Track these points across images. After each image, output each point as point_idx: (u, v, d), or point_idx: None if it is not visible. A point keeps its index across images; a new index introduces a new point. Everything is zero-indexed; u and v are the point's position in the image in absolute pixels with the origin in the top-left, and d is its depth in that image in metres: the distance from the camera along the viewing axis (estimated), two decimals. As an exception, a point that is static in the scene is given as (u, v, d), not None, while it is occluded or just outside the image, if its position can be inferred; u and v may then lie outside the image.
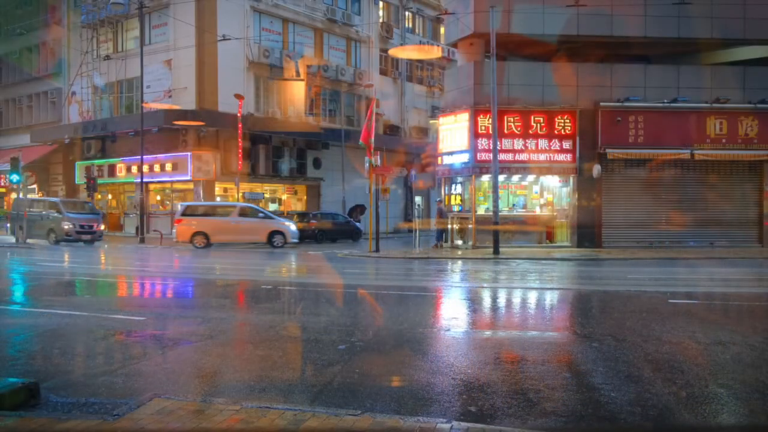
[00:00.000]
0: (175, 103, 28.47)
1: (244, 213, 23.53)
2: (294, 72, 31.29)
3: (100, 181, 30.53)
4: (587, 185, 21.84)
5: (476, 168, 21.60)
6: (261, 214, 23.70)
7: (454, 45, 24.91)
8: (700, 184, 22.20)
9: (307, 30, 32.98)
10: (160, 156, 28.98)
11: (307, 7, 32.57)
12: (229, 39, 26.53)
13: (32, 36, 35.91)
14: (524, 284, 13.13)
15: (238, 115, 27.42)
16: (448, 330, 7.90)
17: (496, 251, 19.33)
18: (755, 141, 21.85)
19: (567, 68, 22.26)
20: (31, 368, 5.91)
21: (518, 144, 21.64)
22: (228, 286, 12.95)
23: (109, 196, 33.70)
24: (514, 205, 23.71)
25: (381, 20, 37.57)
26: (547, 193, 23.42)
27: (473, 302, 10.73)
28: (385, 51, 36.57)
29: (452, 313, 9.41)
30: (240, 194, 28.26)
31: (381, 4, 37.55)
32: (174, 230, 23.78)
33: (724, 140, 21.87)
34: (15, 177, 24.29)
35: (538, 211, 23.27)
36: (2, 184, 35.55)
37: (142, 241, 25.92)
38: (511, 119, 21.57)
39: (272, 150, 30.37)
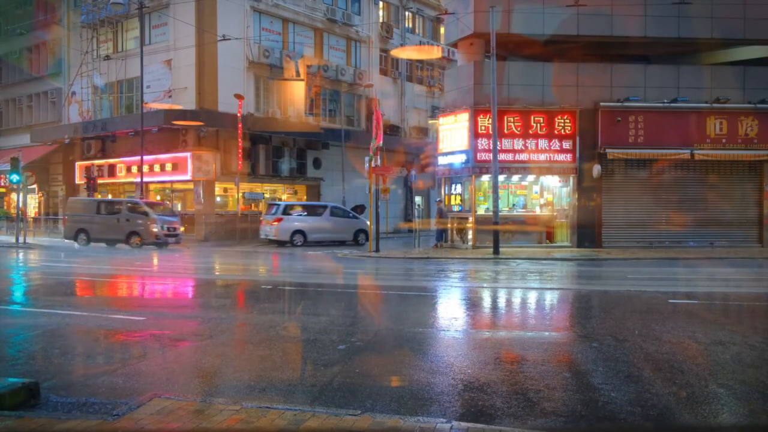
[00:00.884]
0: (175, 103, 28.45)
1: (335, 213, 25.37)
2: (294, 72, 31.28)
3: (100, 181, 30.50)
4: (587, 185, 21.83)
5: (476, 168, 21.60)
6: (350, 214, 25.63)
7: (454, 45, 24.91)
8: (700, 184, 22.20)
9: (307, 30, 32.97)
10: (160, 156, 28.96)
11: (307, 7, 32.56)
12: (229, 39, 26.52)
13: (32, 36, 35.89)
14: (524, 284, 13.13)
15: (238, 115, 27.40)
16: (448, 330, 7.90)
17: (496, 251, 19.33)
18: (755, 141, 21.85)
19: (567, 68, 22.26)
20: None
21: (518, 144, 21.63)
22: (227, 286, 12.95)
23: (109, 196, 33.68)
24: (514, 205, 23.71)
25: (381, 20, 37.54)
26: (547, 193, 23.42)
27: (473, 302, 10.73)
28: (385, 51, 36.56)
29: (452, 313, 9.41)
30: (240, 194, 28.24)
31: (381, 4, 37.52)
32: (273, 228, 24.33)
33: (724, 140, 21.87)
34: (15, 177, 24.28)
35: (538, 211, 23.26)
36: (2, 184, 35.55)
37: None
38: (511, 119, 21.57)
39: (272, 150, 30.34)
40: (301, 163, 32.00)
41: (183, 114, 27.51)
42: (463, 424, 4.20)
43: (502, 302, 10.83)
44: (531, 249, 21.29)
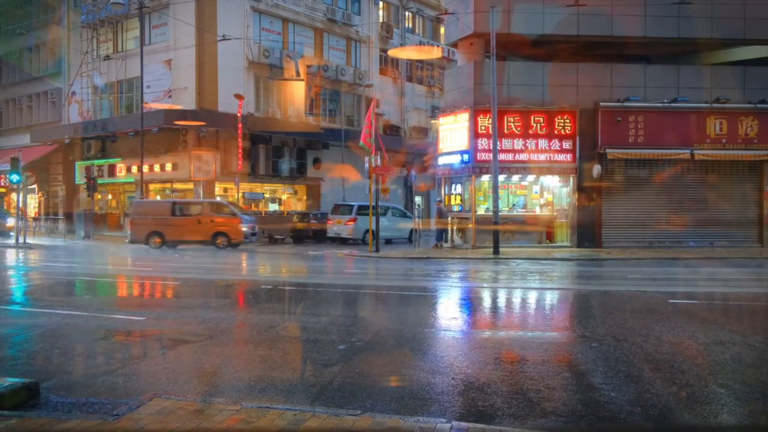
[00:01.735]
0: (175, 103, 28.47)
1: (395, 213, 26.75)
2: (294, 72, 31.28)
3: (100, 181, 30.52)
4: (587, 185, 21.83)
5: (476, 168, 21.60)
6: (407, 215, 27.16)
7: (454, 45, 24.91)
8: (700, 184, 22.19)
9: (307, 30, 32.98)
10: (160, 156, 28.98)
11: (307, 7, 32.57)
12: (229, 39, 26.53)
13: (32, 36, 35.90)
14: (524, 284, 13.13)
15: (238, 115, 27.41)
16: (448, 330, 7.90)
17: (496, 251, 19.32)
18: (755, 141, 21.85)
19: (567, 68, 22.26)
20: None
21: (518, 144, 21.63)
22: (228, 286, 12.95)
23: (109, 196, 33.70)
24: (514, 205, 23.70)
25: (381, 20, 37.55)
26: (547, 193, 23.41)
27: (473, 302, 10.73)
28: (385, 51, 36.57)
29: (452, 313, 9.41)
30: (240, 194, 28.25)
31: (381, 4, 37.53)
32: (346, 228, 25.35)
33: (724, 140, 21.86)
34: (15, 177, 24.28)
35: (538, 211, 23.26)
36: (2, 184, 35.54)
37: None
38: (511, 119, 21.57)
39: (272, 150, 30.35)
40: (301, 163, 32.01)
41: (183, 114, 27.52)
42: (463, 424, 4.20)
43: (502, 302, 10.83)
44: (531, 249, 21.29)
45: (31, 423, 4.09)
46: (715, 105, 21.69)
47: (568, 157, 21.74)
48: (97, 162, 31.78)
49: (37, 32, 35.74)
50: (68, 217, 32.11)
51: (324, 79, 33.05)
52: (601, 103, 21.69)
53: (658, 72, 22.30)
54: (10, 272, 15.63)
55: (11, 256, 20.45)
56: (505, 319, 9.03)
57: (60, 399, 4.80)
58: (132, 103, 31.42)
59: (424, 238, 24.49)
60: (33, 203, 36.76)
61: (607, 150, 21.53)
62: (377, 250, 20.80)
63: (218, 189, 29.78)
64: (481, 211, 22.21)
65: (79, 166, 32.97)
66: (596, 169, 21.57)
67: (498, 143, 20.50)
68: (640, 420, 4.54)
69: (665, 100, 21.63)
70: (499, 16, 20.45)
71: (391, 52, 34.42)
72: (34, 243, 25.22)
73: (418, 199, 36.42)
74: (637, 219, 22.08)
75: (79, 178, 32.81)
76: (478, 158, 21.47)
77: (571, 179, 22.15)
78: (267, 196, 32.28)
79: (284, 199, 33.45)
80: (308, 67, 31.92)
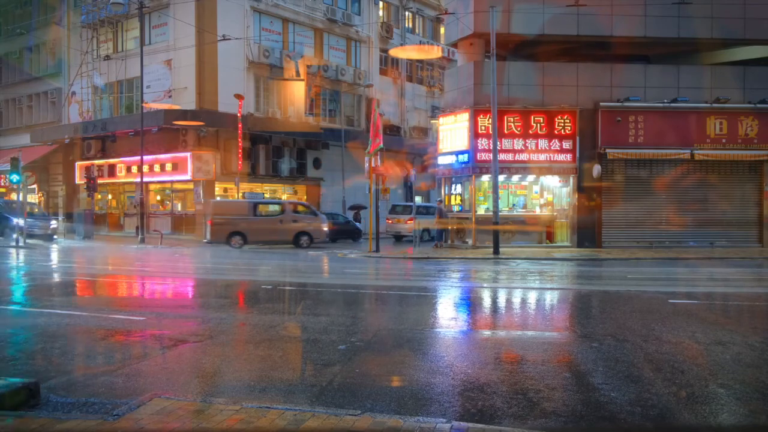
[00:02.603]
0: (175, 103, 28.46)
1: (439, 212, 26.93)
2: (294, 72, 31.28)
3: (100, 181, 30.51)
4: (587, 185, 21.83)
5: (476, 168, 21.60)
6: (447, 214, 27.97)
7: (454, 45, 24.91)
8: (700, 184, 22.19)
9: (307, 30, 32.97)
10: (160, 156, 28.97)
11: (307, 7, 32.56)
12: (229, 39, 26.52)
13: (32, 36, 35.89)
14: (524, 284, 13.13)
15: (238, 115, 27.40)
16: (448, 330, 7.90)
17: (496, 251, 19.32)
18: (755, 141, 21.85)
19: (567, 68, 22.26)
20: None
21: (518, 144, 21.63)
22: (227, 287, 12.95)
23: (109, 196, 33.69)
24: (514, 205, 23.70)
25: (381, 20, 37.55)
26: (547, 193, 23.41)
27: (473, 302, 10.73)
28: (385, 51, 36.56)
29: (452, 313, 9.41)
30: (240, 194, 28.25)
31: (381, 4, 37.52)
32: (406, 226, 26.91)
33: (724, 140, 21.86)
34: (15, 177, 24.28)
35: (538, 211, 23.26)
36: (2, 184, 35.54)
37: (143, 241, 25.91)
38: (511, 119, 21.57)
39: (272, 150, 30.35)
40: (301, 163, 32.00)
41: (183, 114, 27.52)
42: (463, 424, 4.20)
43: (502, 302, 10.83)
44: (531, 249, 21.29)
45: (31, 423, 4.09)
46: (715, 105, 21.69)
47: (568, 157, 21.74)
48: (97, 162, 31.78)
49: (37, 32, 35.73)
50: (68, 217, 32.11)
51: (324, 79, 33.05)
52: (601, 103, 21.69)
53: (658, 72, 22.30)
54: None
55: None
56: (505, 319, 9.03)
57: (60, 399, 4.80)
58: (132, 103, 31.42)
59: (423, 238, 24.52)
60: (33, 203, 36.74)
61: (607, 150, 21.53)
62: (377, 250, 20.80)
63: (218, 189, 29.77)
64: (481, 211, 22.21)
65: (79, 166, 32.97)
66: (596, 169, 21.57)
67: (498, 143, 20.50)
68: (640, 420, 4.54)
69: (665, 100, 21.63)
70: (499, 16, 20.45)
71: (391, 52, 34.39)
72: (33, 243, 25.19)
73: (418, 199, 36.44)
74: (637, 219, 22.09)
75: (79, 178, 32.80)
76: (478, 158, 21.48)
77: (571, 179, 22.15)
78: (267, 196, 32.27)
79: (284, 199, 33.44)
80: (308, 67, 31.91)
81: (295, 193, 33.91)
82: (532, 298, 11.35)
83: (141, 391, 5.02)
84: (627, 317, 8.64)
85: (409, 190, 35.81)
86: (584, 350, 6.62)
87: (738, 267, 16.75)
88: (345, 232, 28.76)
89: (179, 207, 30.36)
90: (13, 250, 22.20)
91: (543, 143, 21.65)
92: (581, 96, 21.82)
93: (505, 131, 21.49)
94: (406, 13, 39.40)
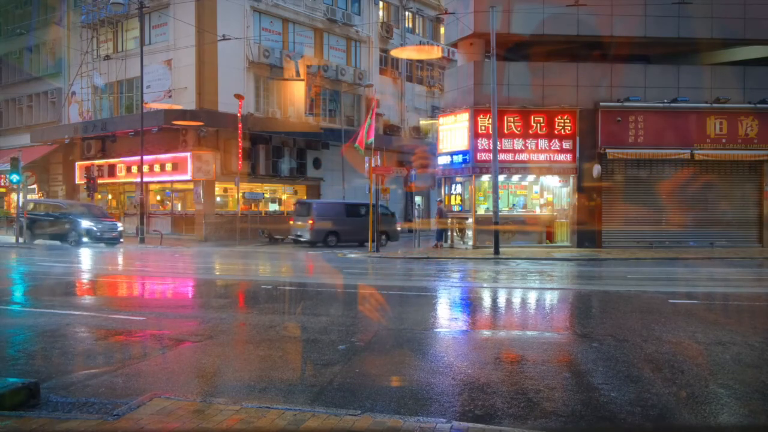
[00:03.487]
0: (175, 103, 28.45)
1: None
2: (294, 72, 31.27)
3: (100, 181, 30.51)
4: (587, 185, 21.83)
5: (476, 168, 21.60)
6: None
7: (454, 45, 24.91)
8: (700, 184, 22.18)
9: (307, 30, 32.96)
10: (160, 156, 28.96)
11: (307, 7, 32.55)
12: (229, 39, 26.52)
13: (32, 36, 35.89)
14: (524, 284, 13.13)
15: (238, 115, 27.40)
16: (448, 330, 7.90)
17: (496, 251, 19.32)
18: (755, 141, 21.85)
19: (567, 68, 22.26)
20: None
21: (518, 144, 21.63)
22: (228, 287, 12.95)
23: (109, 196, 33.67)
24: (514, 205, 23.70)
25: (381, 20, 37.54)
26: (547, 193, 23.41)
27: (473, 302, 10.73)
28: (385, 51, 36.55)
29: (452, 313, 9.42)
30: (240, 194, 28.25)
31: (381, 4, 37.51)
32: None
33: (724, 140, 21.86)
34: (15, 177, 24.29)
35: (538, 211, 23.26)
36: (2, 184, 35.54)
37: (142, 241, 25.92)
38: (511, 119, 21.57)
39: (272, 150, 30.34)
40: (301, 163, 31.99)
41: (183, 114, 27.51)
42: (463, 424, 4.20)
43: (502, 302, 10.83)
44: (531, 249, 21.29)
45: (31, 423, 4.09)
46: (715, 105, 21.70)
47: (568, 157, 21.74)
48: (97, 162, 31.78)
49: (37, 32, 35.72)
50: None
51: (324, 79, 33.04)
52: (601, 103, 21.69)
53: (658, 72, 22.30)
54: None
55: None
56: (505, 319, 9.03)
57: (60, 399, 4.79)
58: (132, 103, 31.41)
59: (423, 238, 24.50)
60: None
61: (607, 150, 21.54)
62: (377, 250, 20.79)
63: (218, 189, 29.77)
64: (481, 211, 22.21)
65: (79, 166, 32.96)
66: (596, 169, 21.57)
67: (498, 143, 20.50)
68: (640, 420, 4.54)
69: (665, 100, 21.63)
70: (499, 16, 20.46)
71: (391, 52, 34.41)
72: (37, 243, 25.19)
73: (418, 199, 36.43)
74: (637, 219, 22.08)
75: (79, 178, 32.80)
76: (478, 158, 21.48)
77: (571, 179, 22.15)
78: (267, 196, 32.26)
79: (284, 199, 33.44)
80: (308, 67, 31.90)
81: (295, 193, 33.90)
82: (532, 298, 11.35)
83: (141, 391, 5.02)
84: (627, 317, 8.64)
85: (408, 189, 35.80)
86: (584, 350, 6.62)
87: (738, 267, 16.75)
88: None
89: (179, 207, 30.35)
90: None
91: (543, 143, 21.66)
92: (581, 96, 21.82)
93: (505, 131, 21.49)
94: (406, 13, 39.39)
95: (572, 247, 21.92)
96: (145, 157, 27.26)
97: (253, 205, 30.71)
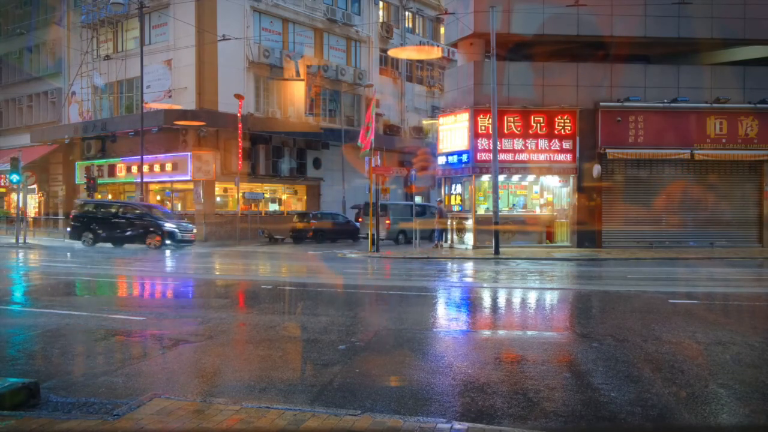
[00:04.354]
0: (175, 103, 28.46)
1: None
2: (294, 72, 31.28)
3: (100, 181, 30.52)
4: (587, 185, 21.82)
5: (476, 168, 21.60)
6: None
7: (454, 45, 24.90)
8: (700, 184, 22.19)
9: (307, 30, 32.97)
10: (160, 156, 28.97)
11: (307, 7, 32.56)
12: (229, 39, 26.53)
13: (32, 36, 35.89)
14: (524, 284, 13.13)
15: (238, 115, 27.40)
16: (448, 330, 7.90)
17: (496, 251, 19.32)
18: (755, 141, 21.85)
19: (567, 68, 22.25)
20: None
21: (518, 144, 21.63)
22: (228, 287, 12.95)
23: (109, 196, 33.67)
24: (514, 205, 23.70)
25: (381, 20, 37.54)
26: (547, 193, 23.40)
27: (473, 302, 10.73)
28: (385, 51, 36.55)
29: (452, 313, 9.42)
30: (240, 194, 28.25)
31: (381, 4, 37.52)
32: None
33: (724, 140, 21.86)
34: (15, 177, 24.30)
35: (538, 211, 23.25)
36: (2, 184, 35.54)
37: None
38: (511, 119, 21.57)
39: (272, 150, 30.35)
40: (301, 163, 32.00)
41: (183, 114, 27.52)
42: (463, 424, 4.20)
43: (502, 302, 10.83)
44: (531, 249, 21.29)
45: (31, 423, 4.09)
46: (715, 105, 21.69)
47: (568, 157, 21.73)
48: (97, 162, 31.78)
49: (37, 32, 35.72)
50: (68, 217, 32.08)
51: (324, 79, 33.04)
52: (601, 103, 21.69)
53: (658, 72, 22.30)
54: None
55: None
56: (505, 319, 9.03)
57: (60, 399, 4.79)
58: (132, 103, 31.42)
59: (423, 238, 24.50)
60: (33, 203, 36.74)
61: (607, 150, 21.53)
62: (377, 250, 20.80)
63: (218, 189, 29.79)
64: (481, 211, 22.20)
65: (79, 166, 32.97)
66: (596, 169, 21.56)
67: (498, 143, 20.50)
68: (640, 420, 4.54)
69: (665, 100, 21.62)
70: (499, 16, 20.45)
71: (391, 52, 34.38)
72: (33, 243, 25.20)
73: (418, 199, 36.42)
74: (637, 219, 22.07)
75: (79, 178, 32.80)
76: (478, 158, 21.47)
77: (571, 179, 22.15)
78: (267, 196, 32.27)
79: (284, 199, 33.45)
80: (308, 67, 31.91)
81: (295, 193, 33.92)
82: (532, 298, 11.35)
83: (141, 391, 5.02)
84: (627, 317, 8.64)
85: (408, 192, 35.79)
86: (584, 350, 6.62)
87: (738, 267, 16.75)
88: (345, 232, 28.78)
89: (179, 207, 30.35)
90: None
91: (543, 143, 21.65)
92: (581, 96, 21.82)
93: (505, 131, 21.48)
94: (406, 13, 39.39)
95: (572, 247, 21.91)
96: (145, 157, 27.27)
97: (253, 205, 30.72)
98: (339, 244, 26.62)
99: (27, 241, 25.21)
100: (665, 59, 23.16)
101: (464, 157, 21.93)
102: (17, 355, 6.58)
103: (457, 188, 23.20)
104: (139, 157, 27.01)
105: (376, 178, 21.25)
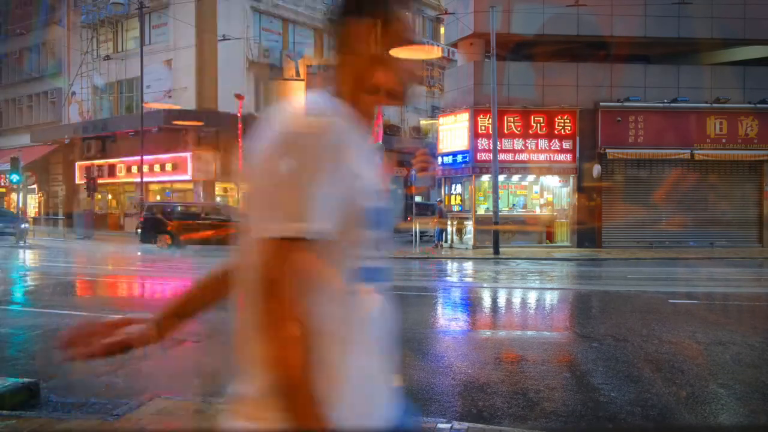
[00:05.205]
0: (175, 103, 28.45)
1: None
2: (294, 72, 31.27)
3: (100, 181, 30.49)
4: (587, 185, 21.81)
5: (476, 168, 21.59)
6: None
7: (454, 45, 24.90)
8: (700, 184, 22.16)
9: (307, 30, 32.97)
10: (160, 156, 28.95)
11: (307, 7, 32.55)
12: (229, 39, 26.52)
13: (32, 36, 35.87)
14: (524, 284, 13.13)
15: (238, 115, 27.39)
16: (448, 330, 7.90)
17: (496, 251, 19.31)
18: (755, 141, 21.84)
19: (567, 68, 22.24)
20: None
21: (518, 144, 21.62)
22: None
23: (109, 196, 33.67)
24: (514, 205, 23.68)
25: (381, 20, 37.50)
26: (547, 193, 23.39)
27: (473, 302, 10.73)
28: (385, 51, 36.50)
29: (452, 313, 9.42)
30: (240, 194, 28.23)
31: (381, 4, 37.48)
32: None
33: (724, 140, 21.85)
34: (15, 177, 24.30)
35: (538, 211, 23.25)
36: (2, 184, 35.54)
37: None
38: (511, 119, 21.56)
39: (272, 150, 30.32)
40: (301, 163, 31.95)
41: (183, 114, 27.51)
42: (463, 424, 4.20)
43: (502, 302, 10.83)
44: (531, 249, 21.28)
45: (31, 423, 4.09)
46: (715, 105, 21.68)
47: (568, 157, 21.73)
48: (97, 162, 31.77)
49: (37, 32, 35.70)
50: (68, 217, 32.08)
51: (324, 79, 33.01)
52: (601, 103, 21.68)
53: (658, 72, 22.29)
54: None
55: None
56: (505, 319, 9.03)
57: (60, 399, 4.79)
58: (132, 103, 31.41)
59: (423, 238, 24.47)
60: (33, 203, 36.75)
61: (607, 150, 21.53)
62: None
63: (218, 189, 29.78)
64: (481, 211, 22.20)
65: (79, 166, 32.95)
66: (596, 169, 21.56)
67: (498, 143, 20.50)
68: (640, 420, 4.54)
69: (665, 100, 21.61)
70: (499, 16, 20.45)
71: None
72: (40, 243, 25.18)
73: (418, 199, 36.39)
74: (637, 219, 22.05)
75: (79, 178, 32.79)
76: (478, 158, 21.47)
77: (571, 179, 22.14)
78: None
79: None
80: (308, 67, 31.89)
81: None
82: (532, 298, 11.35)
83: (141, 391, 5.02)
84: (627, 317, 8.64)
85: (409, 193, 35.74)
86: (584, 350, 6.62)
87: (738, 267, 16.74)
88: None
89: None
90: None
91: (543, 143, 21.64)
92: (581, 96, 21.81)
93: (505, 131, 21.48)
94: (406, 13, 39.36)
95: (572, 247, 21.91)
96: (145, 157, 27.25)
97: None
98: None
99: (27, 241, 25.17)
100: (665, 59, 23.15)
101: (464, 157, 21.93)
102: (18, 354, 6.58)
103: (457, 188, 23.19)
104: (139, 157, 26.99)
105: (375, 178, 21.19)
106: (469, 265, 17.18)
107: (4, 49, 38.00)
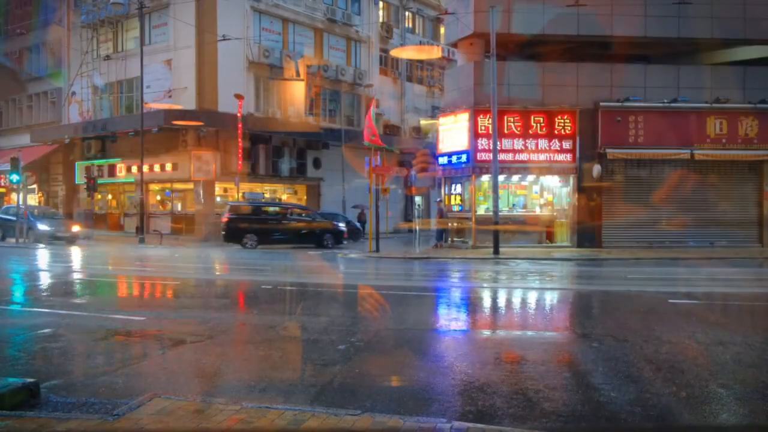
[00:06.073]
0: (175, 103, 28.44)
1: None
2: (294, 72, 31.27)
3: (100, 181, 30.49)
4: (587, 185, 21.81)
5: (476, 168, 21.59)
6: None
7: (454, 45, 24.90)
8: (700, 184, 22.15)
9: (307, 30, 32.96)
10: (160, 156, 28.97)
11: (307, 7, 32.55)
12: (229, 39, 26.52)
13: (32, 36, 35.88)
14: (524, 284, 13.13)
15: (238, 115, 27.39)
16: (448, 330, 7.90)
17: (496, 251, 19.31)
18: (755, 141, 21.84)
19: (567, 68, 22.24)
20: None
21: (518, 144, 21.62)
22: (228, 287, 12.95)
23: (109, 196, 33.68)
24: (514, 205, 23.68)
25: (381, 20, 37.53)
26: (547, 193, 23.39)
27: (473, 302, 10.73)
28: (385, 51, 36.54)
29: (452, 313, 9.42)
30: (240, 194, 28.24)
31: (381, 4, 37.50)
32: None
33: (724, 140, 21.85)
34: (15, 177, 24.29)
35: (538, 211, 23.24)
36: (2, 184, 35.53)
37: (142, 241, 25.91)
38: (511, 119, 21.56)
39: (272, 150, 30.34)
40: (301, 163, 32.00)
41: (183, 114, 27.51)
42: (463, 424, 4.20)
43: (502, 302, 10.83)
44: (531, 249, 21.28)
45: (31, 423, 4.09)
46: (715, 105, 21.68)
47: (568, 157, 21.73)
48: (97, 162, 31.78)
49: (37, 32, 35.70)
50: (68, 217, 32.10)
51: (324, 79, 33.04)
52: (601, 103, 21.68)
53: (658, 72, 22.29)
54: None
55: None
56: (505, 320, 9.03)
57: (60, 399, 4.79)
58: (132, 103, 31.40)
59: (423, 238, 24.48)
60: (33, 203, 36.72)
61: (607, 150, 21.53)
62: (377, 250, 20.79)
63: (218, 189, 29.78)
64: (481, 211, 22.20)
65: (79, 166, 32.96)
66: (596, 169, 21.56)
67: (498, 143, 20.50)
68: (640, 420, 4.54)
69: (665, 100, 21.61)
70: (499, 16, 20.45)
71: (391, 52, 34.37)
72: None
73: (417, 199, 36.41)
74: (637, 219, 22.04)
75: (79, 178, 32.80)
76: (478, 158, 21.47)
77: (571, 179, 22.15)
78: (267, 196, 32.26)
79: (284, 199, 33.43)
80: (308, 67, 31.90)
81: (295, 193, 33.91)
82: (532, 298, 11.35)
83: (141, 391, 5.02)
84: (627, 317, 8.64)
85: (409, 193, 35.79)
86: (584, 350, 6.62)
87: (738, 267, 16.74)
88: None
89: (179, 207, 30.35)
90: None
91: (543, 143, 21.65)
92: (581, 96, 21.81)
93: (505, 131, 21.48)
94: (406, 13, 39.39)
95: (572, 247, 21.91)
96: (145, 157, 27.26)
97: (253, 205, 30.68)
98: (339, 244, 26.59)
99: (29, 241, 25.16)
100: (665, 59, 23.15)
101: (464, 157, 21.93)
102: (18, 354, 6.57)
103: (457, 188, 23.19)
104: (139, 157, 27.00)
105: (375, 178, 21.23)
106: (469, 265, 17.18)
107: (4, 49, 37.98)
